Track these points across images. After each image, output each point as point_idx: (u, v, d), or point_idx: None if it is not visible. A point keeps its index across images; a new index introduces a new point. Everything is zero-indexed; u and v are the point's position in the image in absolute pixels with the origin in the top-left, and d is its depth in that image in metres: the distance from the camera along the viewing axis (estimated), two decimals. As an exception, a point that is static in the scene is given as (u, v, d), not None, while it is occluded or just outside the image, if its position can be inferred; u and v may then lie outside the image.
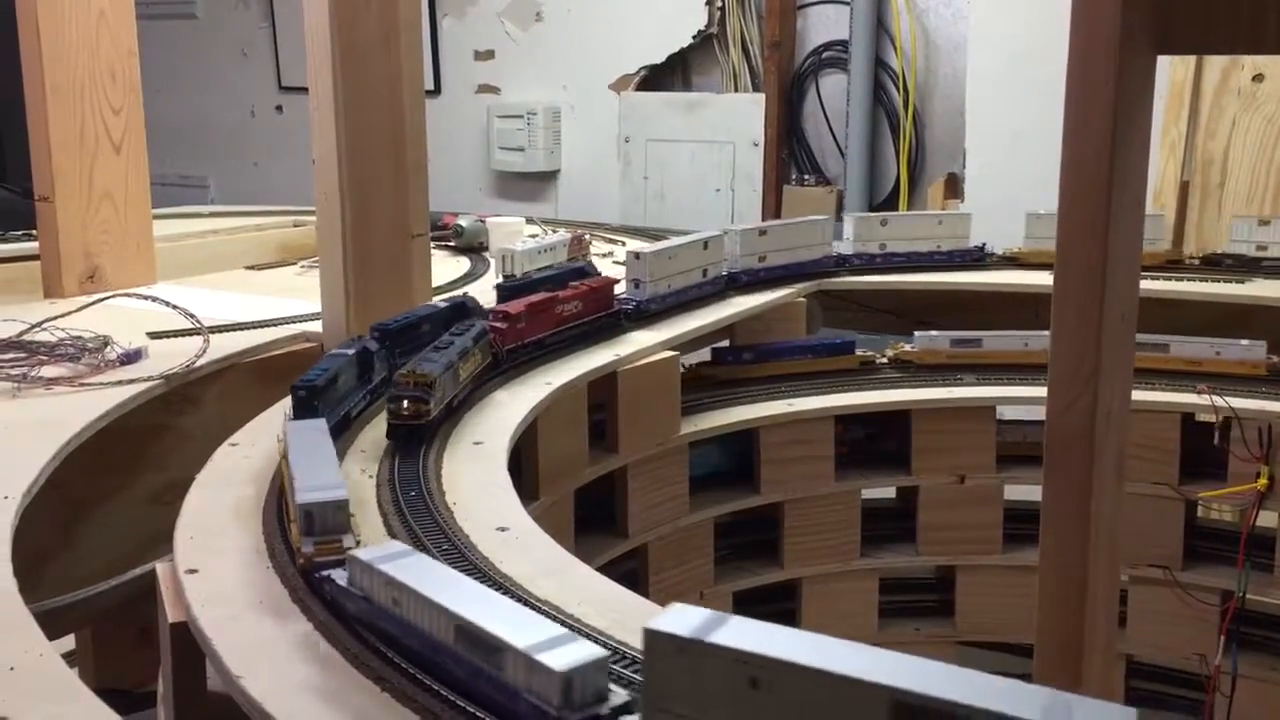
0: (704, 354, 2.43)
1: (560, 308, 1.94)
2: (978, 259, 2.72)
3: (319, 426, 1.30)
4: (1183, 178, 3.75)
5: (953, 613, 2.41)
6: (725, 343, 2.43)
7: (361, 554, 0.98)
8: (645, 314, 2.17)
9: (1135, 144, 1.48)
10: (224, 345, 1.94)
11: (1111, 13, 1.39)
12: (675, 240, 2.37)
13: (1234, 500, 2.18)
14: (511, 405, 1.69)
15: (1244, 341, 2.27)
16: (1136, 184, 1.53)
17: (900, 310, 2.70)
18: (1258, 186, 3.61)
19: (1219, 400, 2.14)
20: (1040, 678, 1.46)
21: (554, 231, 3.02)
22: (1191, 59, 3.60)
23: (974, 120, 4.06)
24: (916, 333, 2.44)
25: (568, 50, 4.87)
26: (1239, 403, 2.15)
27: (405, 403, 1.44)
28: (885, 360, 2.43)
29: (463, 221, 2.93)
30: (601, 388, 1.96)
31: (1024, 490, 2.38)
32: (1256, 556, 2.16)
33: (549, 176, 4.99)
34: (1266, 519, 2.17)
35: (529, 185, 5.03)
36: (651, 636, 0.73)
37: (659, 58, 4.69)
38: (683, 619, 0.73)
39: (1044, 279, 2.37)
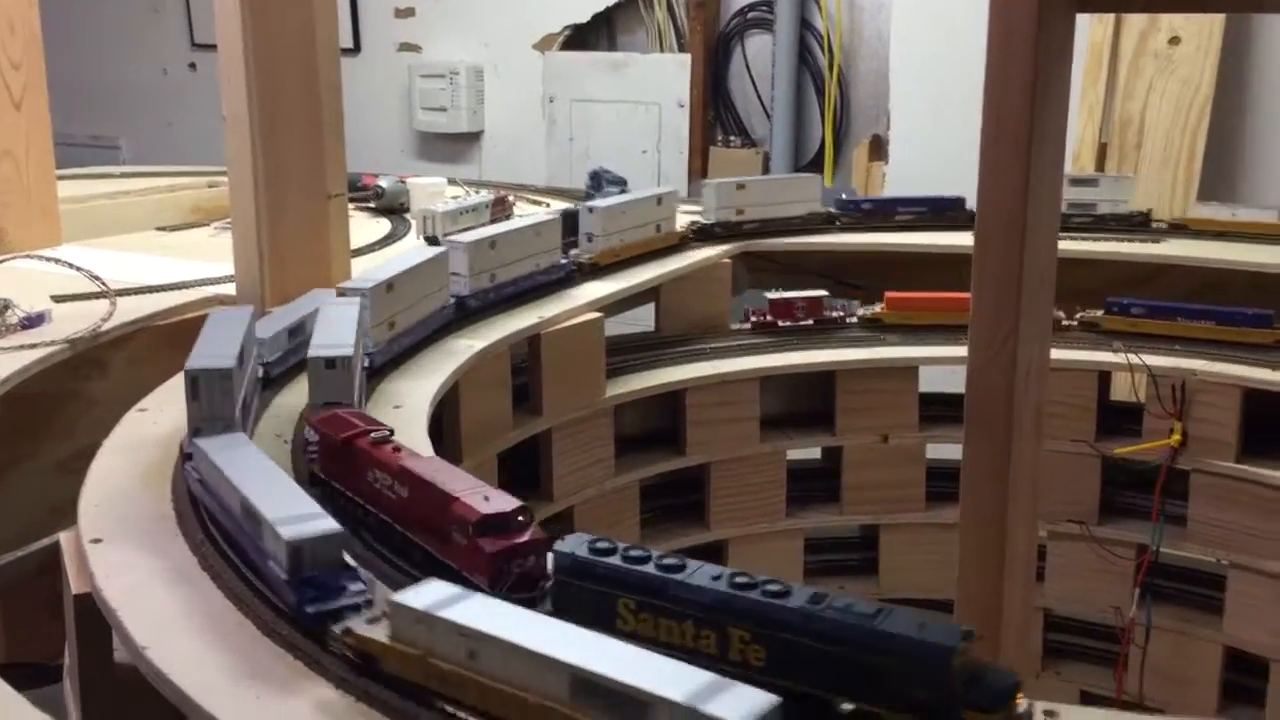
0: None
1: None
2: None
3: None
4: (1101, 139, 3.80)
5: (876, 570, 2.43)
6: (651, 305, 2.42)
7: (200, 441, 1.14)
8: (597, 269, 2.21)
9: (1054, 102, 1.48)
10: (132, 309, 1.88)
11: (1031, -30, 1.39)
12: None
13: (1149, 455, 2.22)
14: (433, 368, 1.66)
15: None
16: (1055, 143, 1.54)
17: (830, 272, 2.70)
18: (1173, 148, 3.68)
19: (1134, 358, 2.18)
20: (961, 632, 1.47)
21: (476, 192, 2.98)
22: (1110, 21, 3.64)
23: (897, 82, 4.07)
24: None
25: (490, 8, 4.79)
26: (1154, 360, 2.19)
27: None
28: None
29: (383, 182, 2.87)
30: (526, 350, 1.94)
31: (947, 449, 2.41)
32: (1170, 510, 2.21)
33: (473, 137, 4.92)
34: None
35: (452, 146, 4.95)
36: (394, 607, 0.85)
37: (584, 16, 4.63)
38: (426, 593, 0.84)
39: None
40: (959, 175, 3.04)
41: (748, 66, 4.50)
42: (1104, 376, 2.30)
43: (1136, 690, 2.22)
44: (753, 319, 2.43)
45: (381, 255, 2.39)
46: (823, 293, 2.47)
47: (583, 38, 4.71)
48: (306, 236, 1.93)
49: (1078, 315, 2.37)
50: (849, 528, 2.48)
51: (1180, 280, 2.47)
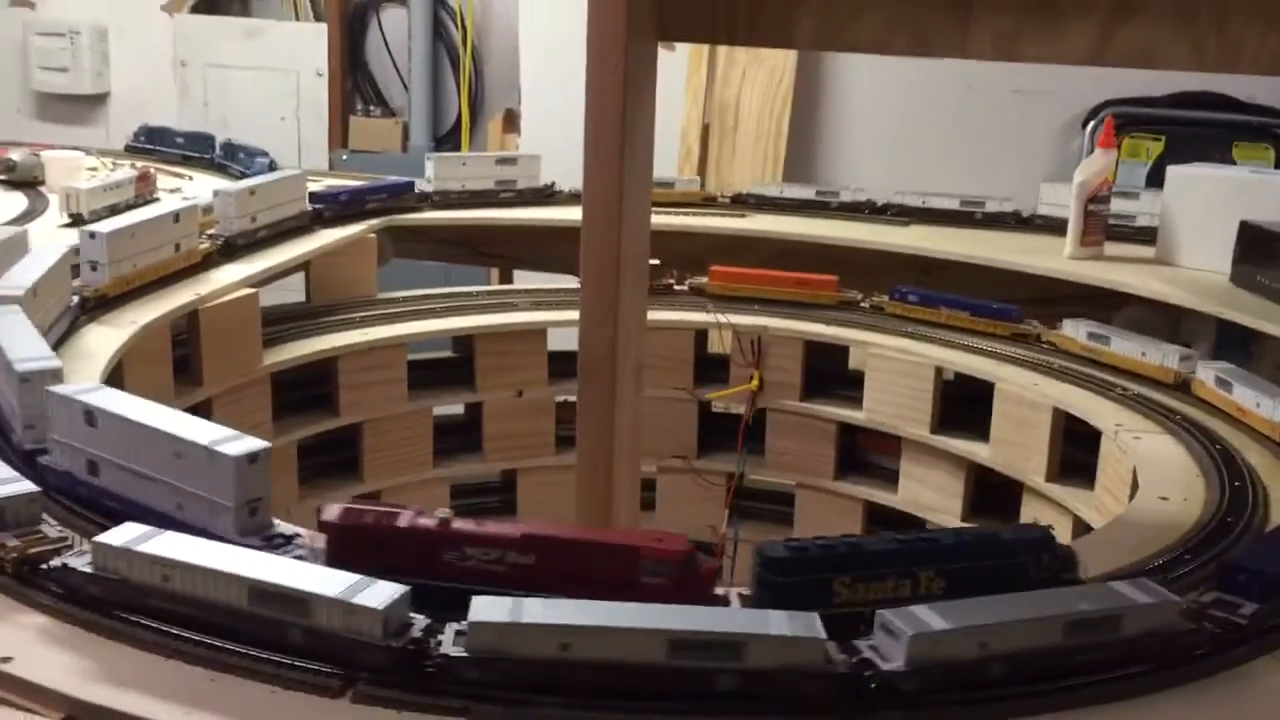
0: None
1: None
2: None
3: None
4: (705, 120, 4.29)
5: (515, 510, 2.75)
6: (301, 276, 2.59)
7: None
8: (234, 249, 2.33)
9: (642, 117, 1.82)
10: None
11: (619, 9, 1.70)
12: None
13: (735, 398, 2.66)
14: (98, 346, 1.79)
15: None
16: (646, 145, 1.88)
17: (472, 243, 2.97)
18: (763, 130, 4.22)
19: (722, 318, 2.61)
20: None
21: (116, 166, 2.99)
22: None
23: (527, 58, 4.38)
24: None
25: (113, -34, 4.65)
26: (738, 319, 2.62)
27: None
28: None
29: (14, 155, 2.83)
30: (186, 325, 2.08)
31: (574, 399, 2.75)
32: (752, 444, 2.67)
33: (98, 100, 4.76)
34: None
35: (75, 108, 4.78)
36: (96, 545, 1.07)
37: (215, -19, 4.61)
38: (122, 533, 1.07)
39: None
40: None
41: (384, 38, 4.66)
42: (700, 334, 2.72)
43: (730, 593, 2.68)
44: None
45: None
46: (654, 261, 2.66)
47: (214, 2, 4.67)
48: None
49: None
50: (490, 473, 2.77)
51: (765, 249, 2.93)
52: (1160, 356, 2.09)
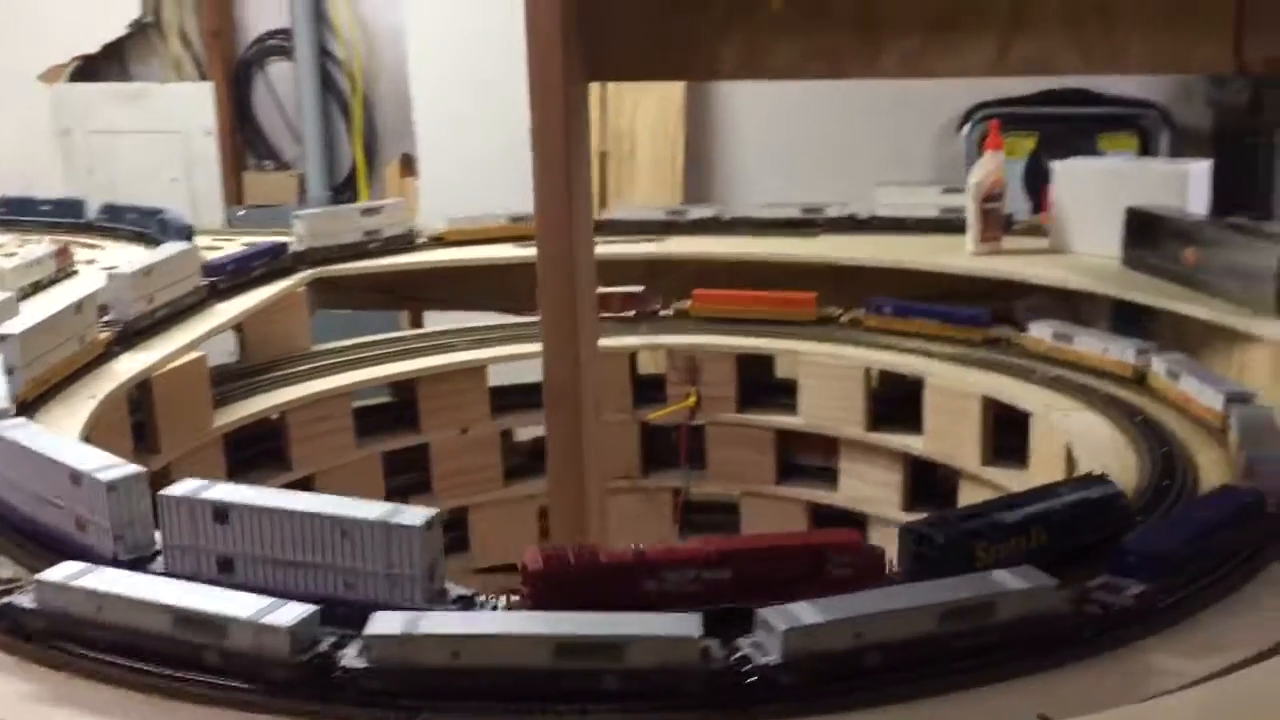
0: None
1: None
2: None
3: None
4: (602, 148, 4.39)
5: (468, 546, 2.79)
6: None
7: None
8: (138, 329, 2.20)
9: (582, 154, 1.91)
10: None
11: (557, 55, 1.79)
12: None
13: (674, 417, 2.75)
14: (66, 421, 1.79)
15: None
16: (584, 176, 1.97)
17: (389, 288, 3.01)
18: (659, 155, 4.34)
19: (657, 339, 2.70)
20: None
21: (24, 243, 2.94)
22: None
23: (419, 103, 4.42)
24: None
25: (-16, 38, 4.55)
26: (670, 339, 2.72)
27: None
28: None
29: (-80, 238, 2.77)
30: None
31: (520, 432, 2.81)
32: (694, 458, 2.77)
33: (-23, 174, 4.64)
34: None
35: (-47, 184, 4.65)
36: (39, 583, 1.17)
37: (92, 47, 4.54)
38: (61, 570, 1.17)
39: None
40: (489, 180, 3.46)
41: (273, 91, 4.65)
42: (632, 357, 2.80)
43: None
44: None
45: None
46: (639, 288, 2.76)
47: (94, 69, 4.61)
48: None
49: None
50: (442, 511, 2.80)
51: (678, 269, 3.02)
52: (1119, 352, 2.14)
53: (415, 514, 1.18)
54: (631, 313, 2.78)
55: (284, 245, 2.83)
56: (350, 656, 1.06)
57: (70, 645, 1.14)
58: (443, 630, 1.05)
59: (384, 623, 1.06)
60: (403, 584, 1.16)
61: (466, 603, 1.18)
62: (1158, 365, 2.05)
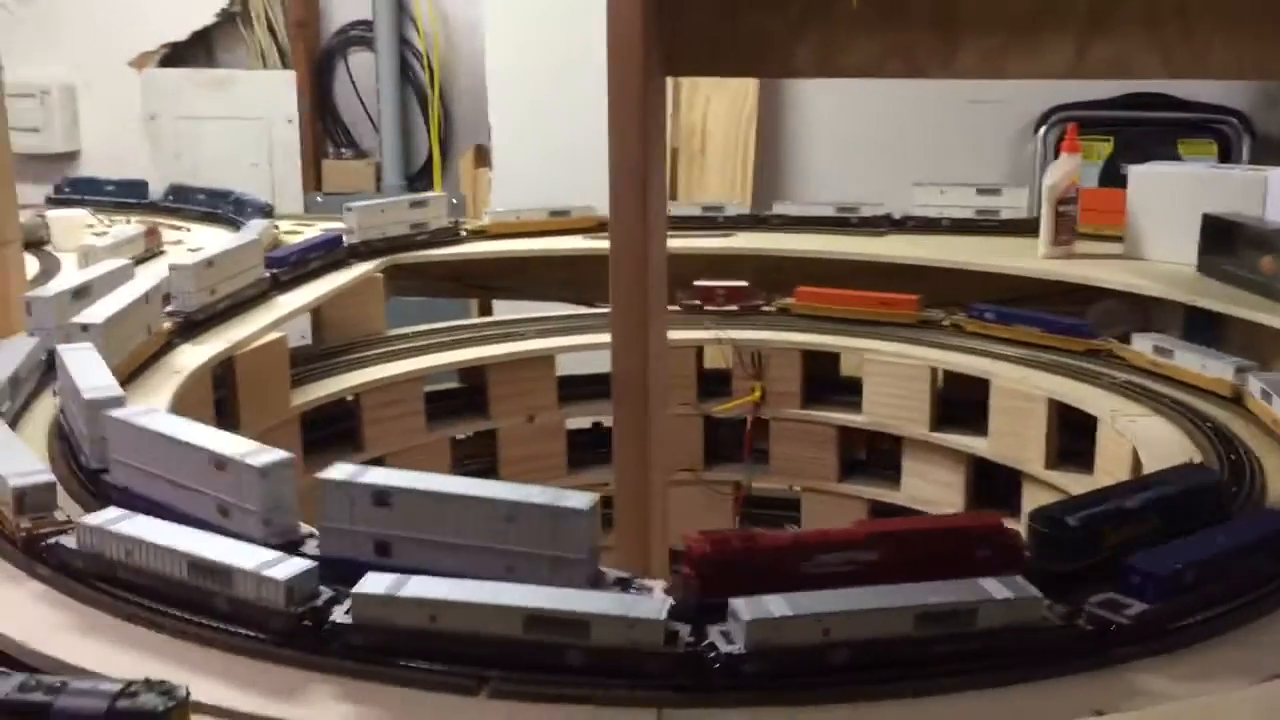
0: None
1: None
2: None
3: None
4: (673, 145, 4.42)
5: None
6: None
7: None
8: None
9: (658, 148, 1.94)
10: None
11: (636, 49, 1.82)
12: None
13: (738, 411, 2.78)
14: (153, 396, 1.86)
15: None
16: (660, 168, 1.99)
17: (464, 277, 3.07)
18: (730, 150, 4.36)
19: (722, 334, 2.73)
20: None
21: (112, 223, 3.05)
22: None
23: (495, 95, 4.47)
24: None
25: (78, 25, 4.69)
26: (736, 334, 2.74)
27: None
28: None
29: (18, 217, 2.87)
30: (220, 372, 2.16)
31: (579, 421, 2.85)
32: (757, 453, 2.79)
33: (69, 157, 4.80)
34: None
35: (46, 166, 4.79)
36: (80, 526, 1.25)
37: (181, 35, 4.67)
38: (101, 515, 1.26)
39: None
40: (560, 174, 3.51)
41: (353, 81, 4.75)
42: (699, 350, 2.83)
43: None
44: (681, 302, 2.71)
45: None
46: (743, 283, 2.79)
47: (182, 56, 4.74)
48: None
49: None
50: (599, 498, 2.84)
51: (747, 264, 3.05)
52: (1219, 369, 2.07)
53: (580, 498, 1.19)
54: (734, 307, 2.78)
55: (339, 237, 2.85)
56: (340, 613, 1.12)
57: (103, 584, 1.23)
58: (424, 595, 1.10)
59: (373, 583, 1.11)
60: (565, 568, 1.17)
61: (624, 584, 1.19)
62: (1253, 385, 1.97)
